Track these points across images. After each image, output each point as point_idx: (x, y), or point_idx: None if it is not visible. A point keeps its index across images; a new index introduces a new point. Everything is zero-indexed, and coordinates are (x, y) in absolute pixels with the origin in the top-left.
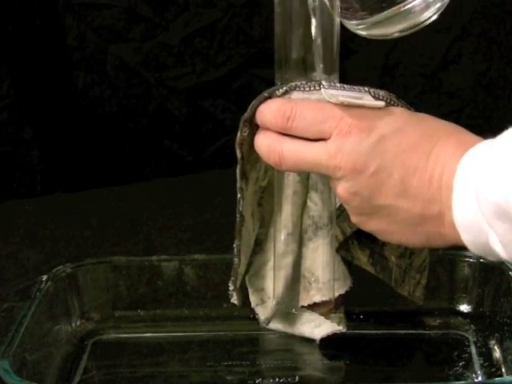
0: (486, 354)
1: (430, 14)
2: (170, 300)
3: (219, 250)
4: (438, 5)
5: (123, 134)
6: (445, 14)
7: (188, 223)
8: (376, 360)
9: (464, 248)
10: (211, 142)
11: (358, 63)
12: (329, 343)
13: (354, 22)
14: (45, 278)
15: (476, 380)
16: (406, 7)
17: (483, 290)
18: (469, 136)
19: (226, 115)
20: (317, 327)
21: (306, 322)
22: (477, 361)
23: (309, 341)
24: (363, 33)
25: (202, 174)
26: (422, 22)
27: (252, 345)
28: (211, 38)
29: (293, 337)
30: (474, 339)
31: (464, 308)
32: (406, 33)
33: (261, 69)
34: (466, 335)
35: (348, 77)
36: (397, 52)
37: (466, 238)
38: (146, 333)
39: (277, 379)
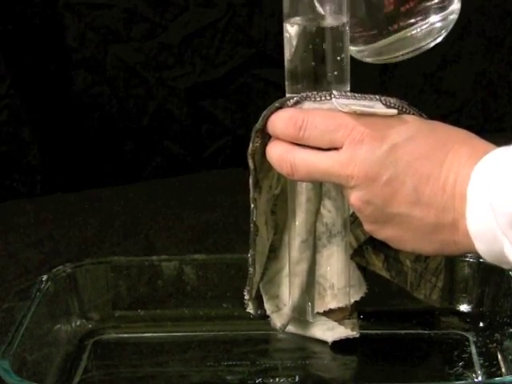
0: (485, 354)
1: (432, 38)
2: (170, 300)
3: (219, 250)
4: (441, 27)
5: (123, 134)
6: None
7: (188, 223)
8: (376, 360)
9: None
10: (211, 142)
11: (358, 63)
12: (328, 343)
13: (358, 48)
14: (45, 278)
15: (476, 380)
16: (411, 32)
17: (483, 290)
18: (482, 143)
19: (226, 115)
20: (329, 330)
21: (318, 325)
22: (477, 361)
23: (309, 341)
24: (368, 59)
25: (202, 174)
26: (426, 46)
27: (252, 345)
28: (211, 38)
29: (293, 337)
30: (474, 339)
31: (464, 308)
32: (410, 55)
33: (261, 69)
34: (466, 335)
35: None
36: None
37: (480, 246)
38: (146, 333)
39: (277, 379)
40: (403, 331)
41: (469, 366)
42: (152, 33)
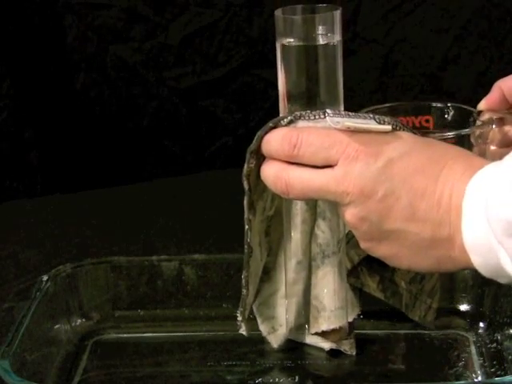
0: (485, 354)
1: None
2: (170, 300)
3: (219, 249)
4: None
5: (123, 133)
6: (445, 14)
7: (188, 223)
8: (376, 360)
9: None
10: (211, 142)
11: (358, 63)
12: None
13: None
14: (45, 278)
15: (476, 380)
16: None
17: (483, 290)
18: (477, 159)
19: (226, 115)
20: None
21: (314, 334)
22: (477, 361)
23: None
24: None
25: (202, 174)
26: None
27: (252, 345)
28: (211, 38)
29: None
30: (474, 339)
31: (464, 308)
32: None
33: (261, 69)
34: (466, 335)
35: (348, 77)
36: (397, 52)
37: (476, 259)
38: (146, 333)
39: (277, 379)
40: (403, 331)
41: (469, 366)
42: (152, 33)
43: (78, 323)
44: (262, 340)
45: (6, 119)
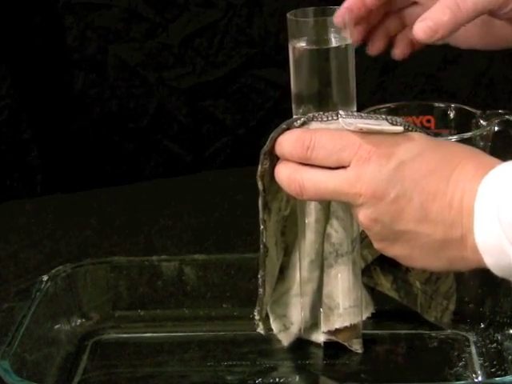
0: (485, 354)
1: None
2: (170, 300)
3: (219, 249)
4: None
5: (123, 133)
6: None
7: (188, 223)
8: (376, 360)
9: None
10: (211, 142)
11: (358, 63)
12: (329, 343)
13: None
14: (45, 278)
15: (476, 380)
16: None
17: (483, 290)
18: (488, 159)
19: (226, 115)
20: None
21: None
22: (477, 361)
23: (309, 341)
24: None
25: (202, 174)
26: None
27: (252, 345)
28: (211, 38)
29: None
30: (474, 339)
31: (464, 308)
32: None
33: (261, 69)
34: (466, 335)
35: None
36: None
37: (489, 260)
38: (146, 333)
39: (277, 379)
40: (403, 331)
41: (469, 366)
42: (152, 33)
43: (77, 323)
44: (262, 340)
45: (5, 119)
